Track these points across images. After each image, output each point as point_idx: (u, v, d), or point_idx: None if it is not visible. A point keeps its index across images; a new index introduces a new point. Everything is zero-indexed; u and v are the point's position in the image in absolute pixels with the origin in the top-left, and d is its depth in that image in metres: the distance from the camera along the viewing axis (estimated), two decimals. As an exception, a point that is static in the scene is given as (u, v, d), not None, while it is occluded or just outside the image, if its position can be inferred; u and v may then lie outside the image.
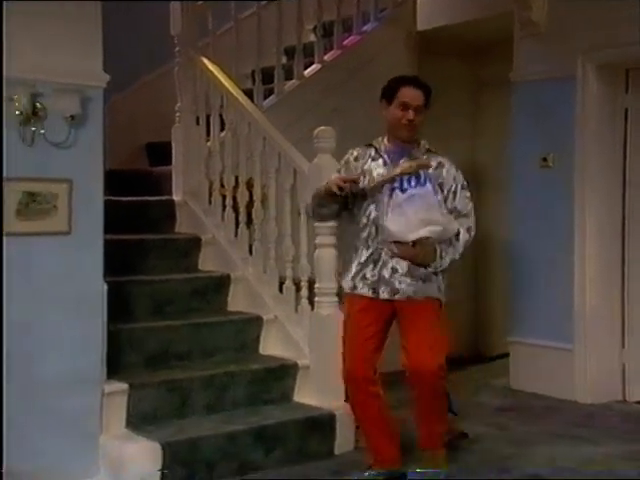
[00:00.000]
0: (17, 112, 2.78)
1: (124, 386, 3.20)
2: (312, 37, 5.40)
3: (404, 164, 2.99)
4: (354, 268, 3.08)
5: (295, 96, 4.82)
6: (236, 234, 4.19)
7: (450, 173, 3.08)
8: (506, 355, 5.02)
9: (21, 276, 2.89)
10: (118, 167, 4.78)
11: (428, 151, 3.11)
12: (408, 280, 3.00)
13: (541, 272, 4.68)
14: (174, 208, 4.40)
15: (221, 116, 4.37)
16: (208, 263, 4.22)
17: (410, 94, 3.01)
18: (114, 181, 4.21)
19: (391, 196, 2.96)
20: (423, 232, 2.92)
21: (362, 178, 3.05)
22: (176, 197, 4.45)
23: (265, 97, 4.81)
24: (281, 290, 3.97)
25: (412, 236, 2.93)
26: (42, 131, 2.86)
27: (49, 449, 2.92)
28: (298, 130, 4.28)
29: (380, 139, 3.16)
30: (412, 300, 3.02)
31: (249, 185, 4.17)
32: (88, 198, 3.05)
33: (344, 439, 3.57)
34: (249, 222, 4.14)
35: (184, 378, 3.42)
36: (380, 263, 3.02)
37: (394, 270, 3.01)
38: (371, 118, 4.91)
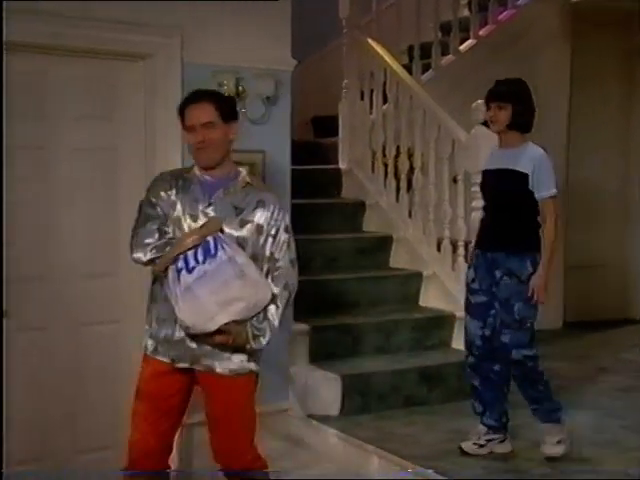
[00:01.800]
0: (226, 95, 3.31)
1: (306, 327, 3.73)
2: (466, 12, 5.66)
3: (186, 239, 2.41)
4: (156, 323, 2.52)
5: (451, 70, 5.13)
6: (397, 199, 4.62)
7: (271, 212, 2.52)
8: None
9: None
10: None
11: (248, 185, 2.55)
12: (209, 348, 2.44)
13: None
14: (340, 175, 4.90)
15: (384, 91, 4.78)
16: (371, 225, 4.69)
17: (191, 114, 2.50)
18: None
19: (178, 278, 2.39)
20: (222, 318, 2.38)
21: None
22: (342, 166, 4.95)
23: (423, 72, 5.15)
24: (439, 249, 4.36)
25: (211, 326, 2.38)
26: (244, 110, 3.39)
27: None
28: (453, 102, 4.59)
29: (190, 168, 2.59)
30: (216, 374, 2.46)
31: (409, 154, 4.58)
32: (278, 166, 3.57)
33: (497, 383, 3.95)
34: (409, 188, 4.56)
35: (355, 323, 3.93)
36: (176, 322, 2.45)
37: (193, 335, 2.44)
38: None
